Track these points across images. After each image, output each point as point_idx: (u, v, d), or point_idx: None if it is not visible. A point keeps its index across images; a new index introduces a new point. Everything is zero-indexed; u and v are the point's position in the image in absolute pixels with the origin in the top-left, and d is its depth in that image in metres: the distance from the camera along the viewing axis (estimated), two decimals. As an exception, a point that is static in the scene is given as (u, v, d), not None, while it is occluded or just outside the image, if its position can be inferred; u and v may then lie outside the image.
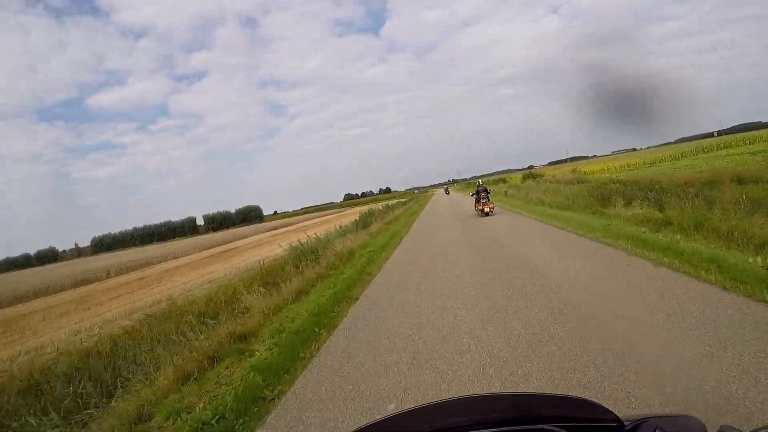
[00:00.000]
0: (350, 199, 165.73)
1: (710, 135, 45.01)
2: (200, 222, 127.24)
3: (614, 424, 0.78)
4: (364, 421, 2.09)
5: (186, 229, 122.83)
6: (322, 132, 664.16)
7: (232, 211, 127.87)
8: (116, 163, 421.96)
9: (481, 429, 0.80)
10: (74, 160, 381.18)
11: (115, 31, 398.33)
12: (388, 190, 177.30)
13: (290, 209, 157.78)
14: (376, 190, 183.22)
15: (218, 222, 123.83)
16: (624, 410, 2.35)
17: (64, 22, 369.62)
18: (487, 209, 14.59)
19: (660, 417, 0.79)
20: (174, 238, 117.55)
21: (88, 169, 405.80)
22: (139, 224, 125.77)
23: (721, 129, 51.17)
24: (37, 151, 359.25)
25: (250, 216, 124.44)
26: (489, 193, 15.08)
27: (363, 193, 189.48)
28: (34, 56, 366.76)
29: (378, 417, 0.85)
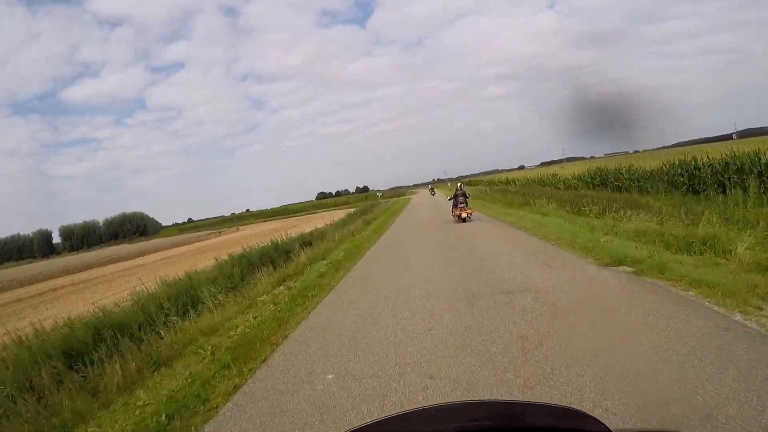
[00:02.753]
0: (323, 198, 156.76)
1: (729, 137, 45.30)
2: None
3: None
4: None
5: (35, 247, 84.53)
6: (303, 128, 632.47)
7: (100, 222, 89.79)
8: (91, 158, 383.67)
9: None
10: (50, 155, 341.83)
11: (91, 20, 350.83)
12: (365, 189, 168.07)
13: (267, 207, 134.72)
14: (352, 189, 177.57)
15: (80, 237, 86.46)
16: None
17: (35, 11, 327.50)
18: (464, 215, 14.88)
19: (649, 431, 0.87)
20: (20, 259, 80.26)
21: (63, 164, 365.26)
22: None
23: (736, 131, 51.63)
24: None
25: (124, 230, 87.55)
26: (468, 197, 15.71)
27: (338, 191, 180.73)
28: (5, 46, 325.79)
29: (363, 423, 0.86)
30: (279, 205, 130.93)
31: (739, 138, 46.32)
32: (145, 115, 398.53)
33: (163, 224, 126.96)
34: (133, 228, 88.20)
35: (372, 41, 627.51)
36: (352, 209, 40.86)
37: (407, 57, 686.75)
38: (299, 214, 70.76)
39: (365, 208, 36.79)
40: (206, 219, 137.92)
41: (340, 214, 37.32)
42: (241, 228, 56.49)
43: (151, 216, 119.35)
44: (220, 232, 49.55)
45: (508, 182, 39.50)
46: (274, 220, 66.70)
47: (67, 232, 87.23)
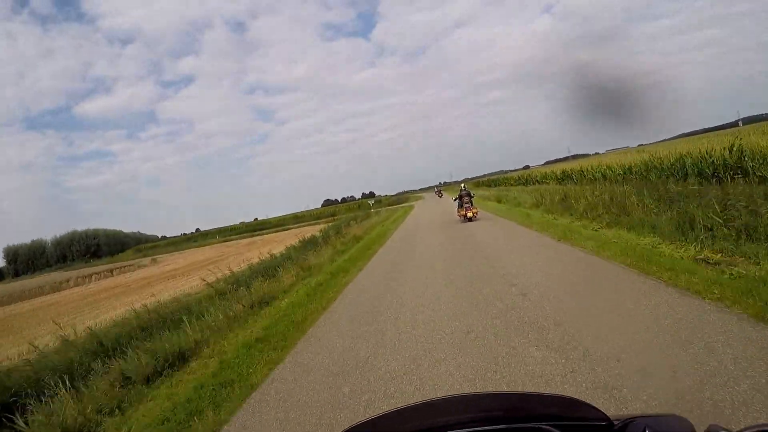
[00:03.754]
0: (329, 205, 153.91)
1: (735, 125, 43.74)
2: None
3: (603, 423, 0.81)
4: None
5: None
6: (311, 137, 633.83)
7: (49, 241, 76.60)
8: (105, 171, 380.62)
9: (473, 427, 0.83)
10: (65, 168, 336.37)
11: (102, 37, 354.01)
12: (371, 195, 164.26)
13: (273, 215, 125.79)
14: (358, 195, 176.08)
15: (25, 259, 73.73)
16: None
17: (49, 29, 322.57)
18: (470, 214, 14.81)
19: (648, 416, 0.82)
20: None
21: (78, 177, 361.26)
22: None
23: (741, 119, 47.40)
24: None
25: (73, 251, 74.39)
26: (472, 197, 15.55)
27: (344, 198, 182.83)
28: (21, 63, 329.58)
29: (369, 416, 0.87)
30: (278, 215, 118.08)
31: (744, 125, 45.45)
32: (157, 129, 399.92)
33: (173, 235, 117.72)
34: (83, 249, 74.68)
35: (375, 52, 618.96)
36: (328, 224, 27.50)
37: (410, 66, 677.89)
38: (267, 231, 56.57)
39: (339, 226, 23.23)
40: (205, 230, 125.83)
41: (305, 234, 24.05)
42: (163, 259, 42.19)
43: (131, 230, 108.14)
44: (120, 269, 35.15)
45: (564, 176, 24.81)
46: (237, 239, 52.75)
47: (11, 254, 73.71)
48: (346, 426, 0.87)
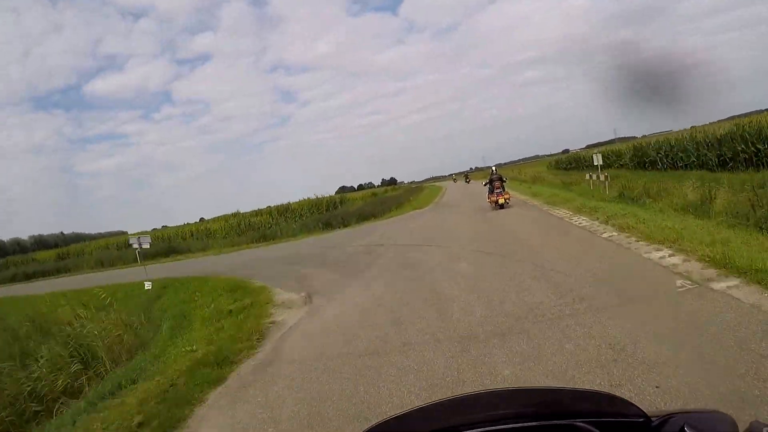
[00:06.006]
0: (344, 192, 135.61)
1: None
2: None
3: (640, 420, 0.80)
4: None
5: None
6: (334, 120, 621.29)
7: None
8: (117, 155, 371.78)
9: (505, 424, 0.83)
10: (76, 152, 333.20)
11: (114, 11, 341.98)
12: (393, 182, 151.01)
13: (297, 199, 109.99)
14: (377, 182, 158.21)
15: None
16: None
17: (56, 2, 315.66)
18: (501, 200, 14.02)
19: (687, 413, 0.81)
20: None
21: (89, 162, 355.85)
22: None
23: None
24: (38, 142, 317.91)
25: None
26: (504, 182, 14.60)
27: (360, 185, 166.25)
28: (28, 40, 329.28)
29: (400, 411, 0.86)
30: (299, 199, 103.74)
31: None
32: (172, 110, 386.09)
33: (175, 224, 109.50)
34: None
35: (404, 28, 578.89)
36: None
37: (440, 44, 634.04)
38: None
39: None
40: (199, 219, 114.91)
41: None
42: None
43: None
44: None
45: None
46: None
47: None
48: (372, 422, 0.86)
